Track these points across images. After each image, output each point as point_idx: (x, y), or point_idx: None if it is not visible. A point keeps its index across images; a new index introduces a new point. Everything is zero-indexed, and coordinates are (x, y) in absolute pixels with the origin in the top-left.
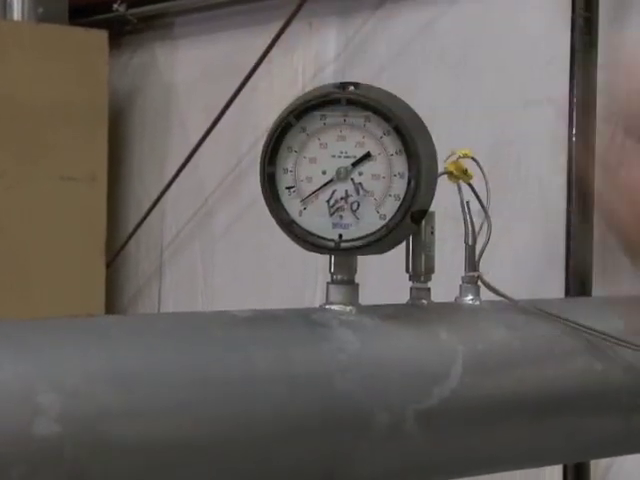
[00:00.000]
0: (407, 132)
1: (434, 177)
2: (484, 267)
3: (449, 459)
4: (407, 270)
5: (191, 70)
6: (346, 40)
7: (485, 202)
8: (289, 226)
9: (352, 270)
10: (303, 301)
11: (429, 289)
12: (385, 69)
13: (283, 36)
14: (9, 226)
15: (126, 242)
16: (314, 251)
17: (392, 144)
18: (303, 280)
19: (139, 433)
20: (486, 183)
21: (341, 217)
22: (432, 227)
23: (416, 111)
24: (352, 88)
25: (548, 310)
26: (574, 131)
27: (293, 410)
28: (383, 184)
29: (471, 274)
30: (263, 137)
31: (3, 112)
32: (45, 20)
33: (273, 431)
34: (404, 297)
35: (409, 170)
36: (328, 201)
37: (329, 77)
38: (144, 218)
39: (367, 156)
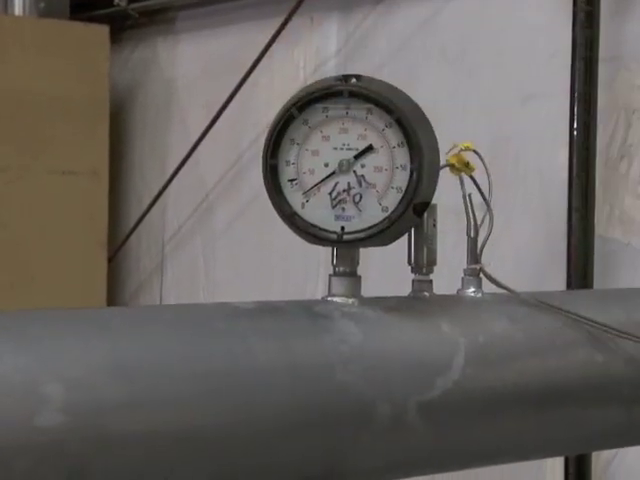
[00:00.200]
0: (409, 124)
1: (436, 169)
2: (486, 264)
3: (451, 450)
4: (409, 262)
5: (192, 65)
6: (347, 35)
7: (487, 195)
8: (291, 218)
9: (354, 262)
10: (305, 294)
11: (431, 281)
12: (385, 64)
13: (284, 31)
14: (11, 221)
15: (127, 237)
16: (316, 243)
17: (394, 136)
18: (305, 273)
19: (140, 424)
20: (488, 176)
21: (343, 209)
22: (434, 219)
23: None
24: (354, 80)
25: (550, 302)
26: (575, 126)
27: (295, 402)
28: (385, 176)
29: (473, 266)
30: (264, 132)
31: (4, 107)
32: (46, 15)
33: (274, 423)
34: (406, 289)
35: (411, 162)
36: (330, 193)
37: (330, 72)
38: (145, 213)
39: (369, 148)
